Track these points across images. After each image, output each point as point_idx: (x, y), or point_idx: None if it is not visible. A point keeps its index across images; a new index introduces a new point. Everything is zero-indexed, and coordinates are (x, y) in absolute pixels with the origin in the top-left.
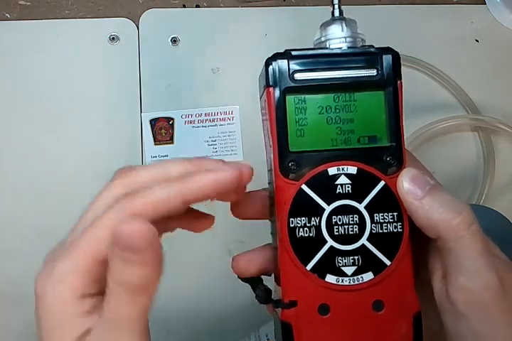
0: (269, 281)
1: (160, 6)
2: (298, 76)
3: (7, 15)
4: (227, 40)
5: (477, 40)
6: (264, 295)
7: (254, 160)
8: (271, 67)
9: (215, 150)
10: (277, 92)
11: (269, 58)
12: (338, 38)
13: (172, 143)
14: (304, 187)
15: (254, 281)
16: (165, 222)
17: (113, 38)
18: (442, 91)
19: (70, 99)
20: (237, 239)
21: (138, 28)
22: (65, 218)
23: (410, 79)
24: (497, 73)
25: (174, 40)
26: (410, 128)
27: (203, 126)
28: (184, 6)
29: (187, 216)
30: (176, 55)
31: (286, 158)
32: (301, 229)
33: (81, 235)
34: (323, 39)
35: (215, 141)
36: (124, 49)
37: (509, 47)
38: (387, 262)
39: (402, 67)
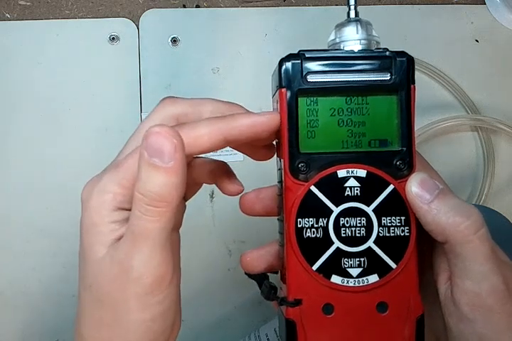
0: (274, 278)
1: (160, 6)
2: (311, 78)
3: (7, 15)
4: (227, 40)
5: (477, 40)
6: (269, 292)
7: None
8: (284, 67)
9: None
10: (290, 94)
11: (282, 59)
12: (352, 40)
13: None
14: (313, 188)
15: (260, 278)
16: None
17: (113, 38)
18: (442, 91)
19: (70, 99)
20: (237, 239)
21: (138, 28)
22: (65, 218)
23: None
24: (497, 73)
25: (174, 40)
26: None
27: None
28: (184, 6)
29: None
30: (176, 55)
31: (296, 159)
32: (308, 230)
33: (128, 155)
34: (337, 40)
35: None
36: (124, 49)
37: (509, 47)
38: (393, 265)
39: None
